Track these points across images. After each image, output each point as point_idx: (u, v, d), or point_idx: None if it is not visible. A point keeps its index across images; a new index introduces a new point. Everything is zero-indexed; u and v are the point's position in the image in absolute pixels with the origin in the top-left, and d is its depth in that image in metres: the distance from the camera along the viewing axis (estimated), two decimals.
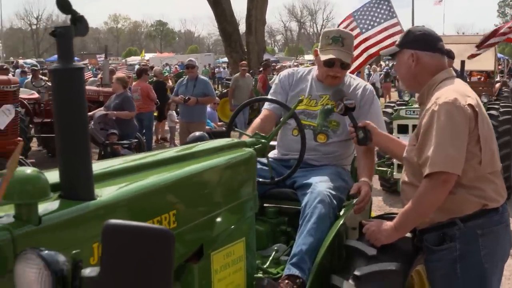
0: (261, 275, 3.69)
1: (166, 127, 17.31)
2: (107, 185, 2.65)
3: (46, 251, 1.93)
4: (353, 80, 4.48)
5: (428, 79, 3.44)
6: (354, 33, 8.97)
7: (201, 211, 3.12)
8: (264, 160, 4.07)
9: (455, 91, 3.27)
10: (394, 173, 9.94)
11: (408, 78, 3.53)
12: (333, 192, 3.92)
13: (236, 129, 4.54)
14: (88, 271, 1.90)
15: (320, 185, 3.92)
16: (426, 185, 3.23)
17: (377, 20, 9.13)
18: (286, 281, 3.61)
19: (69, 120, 2.37)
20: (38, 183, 2.18)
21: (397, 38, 8.87)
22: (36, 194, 2.16)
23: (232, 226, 3.38)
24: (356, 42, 9.10)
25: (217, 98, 14.53)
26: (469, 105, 3.22)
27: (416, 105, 10.69)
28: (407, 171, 3.49)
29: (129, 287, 1.84)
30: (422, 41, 3.47)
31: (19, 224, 2.14)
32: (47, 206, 2.30)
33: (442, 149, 3.16)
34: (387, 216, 3.85)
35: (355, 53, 8.96)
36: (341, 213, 3.96)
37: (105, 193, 2.54)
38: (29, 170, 2.19)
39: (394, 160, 9.93)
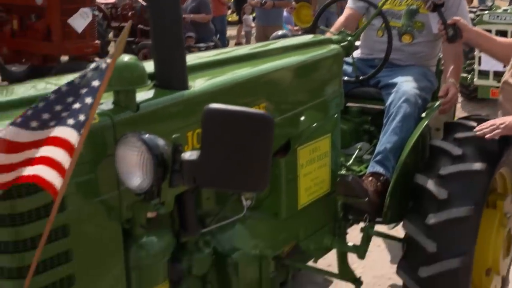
0: (344, 172, 3.71)
1: (242, 32, 17.21)
2: (198, 77, 2.68)
3: (147, 135, 1.98)
4: None
5: None
6: None
7: (289, 105, 3.13)
8: (349, 59, 4.03)
9: None
10: (475, 80, 9.71)
11: None
12: (418, 92, 3.85)
13: (320, 27, 4.48)
14: (188, 155, 1.94)
15: (406, 84, 3.87)
16: None
17: None
18: (370, 178, 3.62)
19: (163, 9, 2.38)
20: (136, 70, 2.21)
21: None
22: (134, 81, 2.20)
23: (318, 122, 3.38)
24: None
25: (293, 2, 14.30)
26: None
27: (500, 10, 10.32)
28: None
29: (229, 170, 1.88)
30: None
31: (118, 110, 2.19)
32: (144, 95, 2.35)
33: None
34: (475, 118, 3.79)
35: None
36: (426, 113, 3.91)
37: (197, 84, 2.57)
38: (127, 57, 2.22)
39: (475, 66, 9.69)
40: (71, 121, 1.74)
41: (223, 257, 2.79)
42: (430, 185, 3.49)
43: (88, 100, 1.76)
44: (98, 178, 2.10)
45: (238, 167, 1.87)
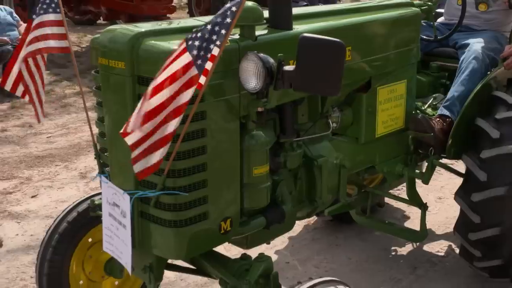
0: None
1: None
2: (302, 23, 3.56)
3: (262, 53, 2.90)
4: None
5: None
6: None
7: (371, 51, 3.94)
8: (430, 22, 4.82)
9: None
10: None
11: None
12: (487, 52, 4.60)
13: None
14: (288, 68, 2.87)
15: (477, 45, 4.62)
16: None
17: None
18: (438, 119, 4.43)
19: None
20: (256, 12, 3.09)
21: None
22: (255, 19, 3.10)
23: (396, 69, 4.20)
24: None
25: None
26: None
27: None
28: None
29: (314, 79, 2.78)
30: None
31: (242, 39, 3.11)
32: (261, 31, 3.26)
33: None
34: None
35: None
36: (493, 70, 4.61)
37: (299, 27, 3.46)
38: (250, 3, 3.12)
39: None
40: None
41: (311, 160, 3.68)
42: (487, 126, 4.24)
43: (223, 31, 2.68)
44: (226, 84, 3.02)
45: (320, 77, 2.76)
